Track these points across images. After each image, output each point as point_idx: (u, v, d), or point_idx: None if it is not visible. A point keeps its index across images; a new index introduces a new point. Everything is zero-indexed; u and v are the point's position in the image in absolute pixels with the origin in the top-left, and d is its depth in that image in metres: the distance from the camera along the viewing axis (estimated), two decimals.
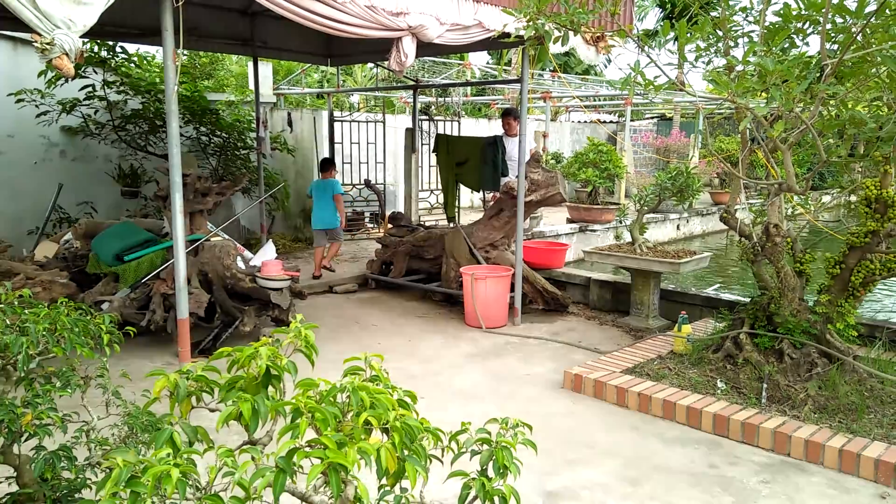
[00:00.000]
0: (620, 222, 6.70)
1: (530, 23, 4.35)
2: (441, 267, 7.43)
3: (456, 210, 8.18)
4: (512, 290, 6.62)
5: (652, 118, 21.70)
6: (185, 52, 12.14)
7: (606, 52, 5.69)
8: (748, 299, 5.96)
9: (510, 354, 5.66)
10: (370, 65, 14.76)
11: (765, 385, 4.36)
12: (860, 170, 5.49)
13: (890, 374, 4.39)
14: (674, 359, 5.11)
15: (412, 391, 1.62)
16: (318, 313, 6.89)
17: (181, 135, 9.18)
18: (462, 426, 1.69)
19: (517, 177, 6.55)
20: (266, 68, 10.95)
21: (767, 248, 4.65)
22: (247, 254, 6.48)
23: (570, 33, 4.81)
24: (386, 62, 5.38)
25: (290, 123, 9.86)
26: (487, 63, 19.43)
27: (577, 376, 4.80)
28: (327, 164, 8.41)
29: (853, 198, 5.26)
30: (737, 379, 4.59)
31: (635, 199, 6.67)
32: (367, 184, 8.43)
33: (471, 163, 7.46)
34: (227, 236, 6.54)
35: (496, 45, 7.37)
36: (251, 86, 10.90)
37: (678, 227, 14.67)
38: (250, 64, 11.01)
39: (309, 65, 13.43)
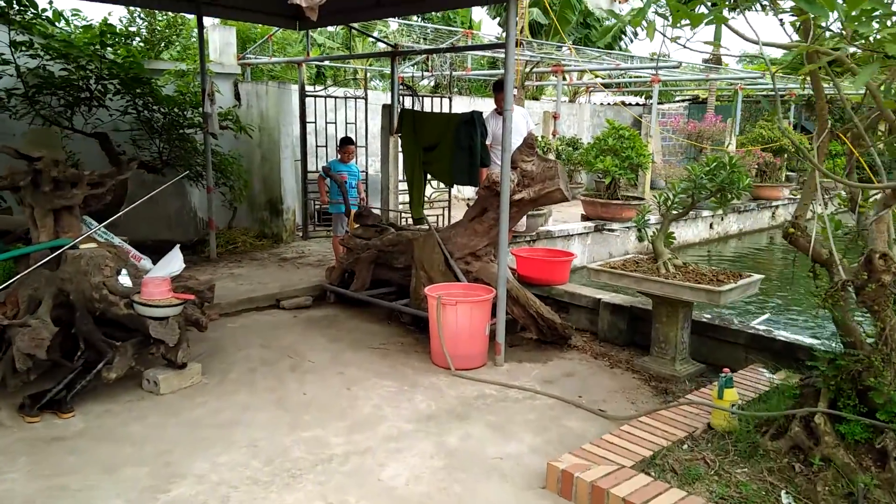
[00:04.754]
0: (639, 230, 5.02)
1: None
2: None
3: (424, 209, 6.51)
4: (494, 316, 5.02)
5: (683, 101, 19.71)
6: (142, 13, 10.62)
7: None
8: (818, 342, 4.29)
9: (480, 418, 4.06)
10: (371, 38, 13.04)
11: None
12: None
13: None
14: (712, 442, 3.47)
15: None
16: (245, 341, 5.35)
17: (115, 109, 7.77)
18: None
19: (502, 166, 4.91)
20: (229, 33, 9.36)
21: (868, 290, 2.98)
22: (145, 263, 4.95)
23: None
24: (360, 23, 3.73)
25: (237, 96, 8.24)
26: (498, 36, 17.62)
27: (566, 474, 3.19)
28: (343, 144, 7.24)
29: None
30: (812, 490, 2.95)
31: (660, 199, 5.00)
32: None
33: (441, 147, 5.75)
34: (119, 241, 5.01)
35: None
36: (211, 53, 9.35)
37: (711, 226, 12.87)
38: (211, 30, 9.46)
39: (277, 29, 11.76)
